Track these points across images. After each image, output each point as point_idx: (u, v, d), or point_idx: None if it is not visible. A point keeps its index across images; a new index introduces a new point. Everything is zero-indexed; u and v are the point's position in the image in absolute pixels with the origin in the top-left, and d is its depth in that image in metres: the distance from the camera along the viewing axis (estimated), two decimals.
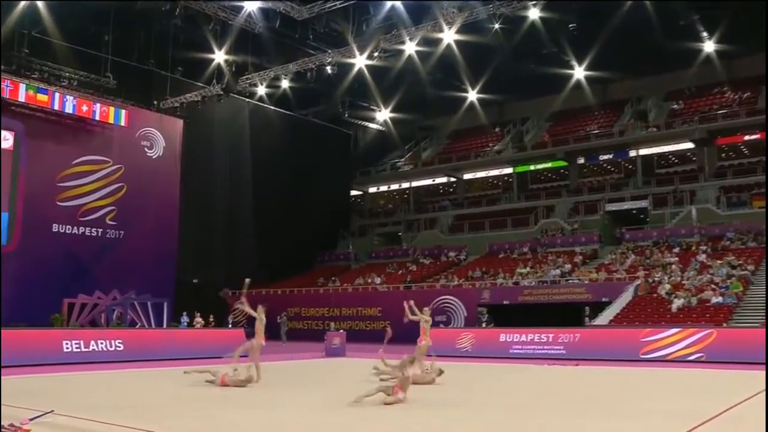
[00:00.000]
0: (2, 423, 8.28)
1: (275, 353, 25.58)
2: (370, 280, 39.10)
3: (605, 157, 42.54)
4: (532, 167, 45.04)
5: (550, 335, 22.91)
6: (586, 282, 30.71)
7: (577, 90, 42.13)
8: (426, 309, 15.98)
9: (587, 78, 41.26)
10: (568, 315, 28.47)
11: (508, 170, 45.98)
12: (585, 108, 44.68)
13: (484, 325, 28.57)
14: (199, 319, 29.68)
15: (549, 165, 44.58)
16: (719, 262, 29.01)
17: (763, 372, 13.76)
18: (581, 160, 43.45)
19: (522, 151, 45.04)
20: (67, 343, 19.54)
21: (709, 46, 37.00)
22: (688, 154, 40.43)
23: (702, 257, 30.28)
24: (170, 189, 36.96)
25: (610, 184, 41.75)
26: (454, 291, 33.88)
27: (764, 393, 11.18)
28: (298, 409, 10.64)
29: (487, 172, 47.40)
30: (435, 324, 30.82)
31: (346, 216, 50.55)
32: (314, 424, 9.34)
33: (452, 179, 48.95)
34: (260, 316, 14.67)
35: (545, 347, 22.67)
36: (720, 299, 25.47)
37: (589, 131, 43.35)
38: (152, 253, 35.08)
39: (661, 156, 41.31)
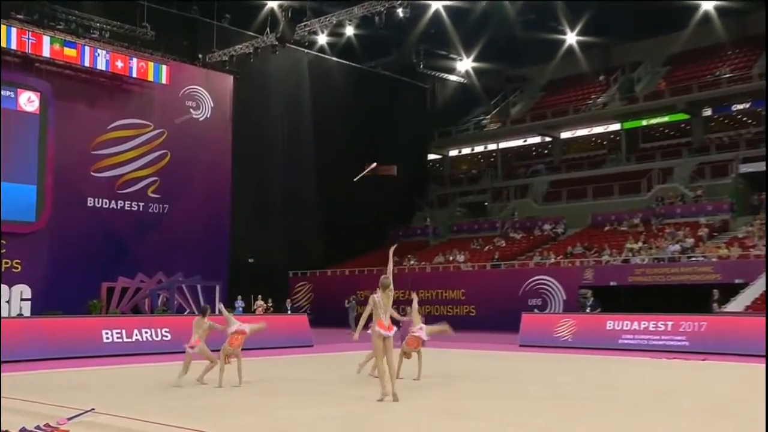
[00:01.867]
0: (38, 423, 8.49)
1: (344, 342, 25.76)
2: (451, 258, 39.01)
3: (740, 106, 40.92)
4: (644, 122, 43.97)
5: (669, 323, 22.33)
6: (714, 260, 29.90)
7: (704, 25, 40.71)
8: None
9: (718, 9, 39.79)
10: (691, 299, 27.71)
11: (616, 126, 45.01)
12: (714, 47, 43.06)
13: (588, 310, 28.22)
14: (260, 302, 30.13)
15: (666, 119, 43.35)
16: None
17: None
18: (708, 112, 42.05)
19: (632, 103, 43.87)
20: (107, 333, 20.02)
21: None
22: None
23: None
24: (220, 156, 37.45)
25: (745, 140, 40.07)
26: (551, 270, 33.63)
27: None
28: (361, 404, 10.73)
29: (589, 129, 46.50)
30: (529, 309, 30.85)
31: (423, 184, 50.50)
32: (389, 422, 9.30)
33: (547, 139, 48.27)
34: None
35: (663, 337, 22.15)
36: None
37: (719, 75, 41.66)
38: (201, 229, 35.72)
39: None
